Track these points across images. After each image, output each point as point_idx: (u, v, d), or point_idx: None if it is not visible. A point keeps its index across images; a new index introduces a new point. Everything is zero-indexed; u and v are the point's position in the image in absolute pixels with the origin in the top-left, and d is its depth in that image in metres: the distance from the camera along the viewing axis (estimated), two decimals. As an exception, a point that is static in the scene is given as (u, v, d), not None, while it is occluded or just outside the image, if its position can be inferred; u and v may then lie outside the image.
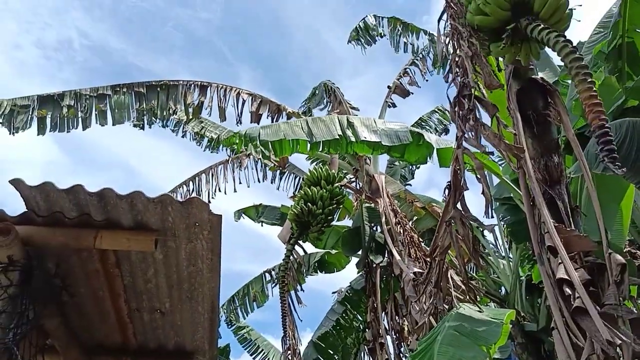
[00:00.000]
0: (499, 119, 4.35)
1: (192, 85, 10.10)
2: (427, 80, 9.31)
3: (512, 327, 7.67)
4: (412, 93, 9.39)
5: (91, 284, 4.11)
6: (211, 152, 11.11)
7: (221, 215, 3.67)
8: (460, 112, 3.77)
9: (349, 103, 10.11)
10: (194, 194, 9.68)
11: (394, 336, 8.45)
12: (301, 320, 7.81)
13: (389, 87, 9.60)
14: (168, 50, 39.08)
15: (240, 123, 9.59)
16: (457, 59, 3.75)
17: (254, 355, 12.20)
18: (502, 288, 9.25)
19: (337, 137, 7.37)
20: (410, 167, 11.91)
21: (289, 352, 7.39)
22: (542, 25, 3.29)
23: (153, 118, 9.79)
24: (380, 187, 8.33)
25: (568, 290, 3.43)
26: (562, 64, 7.78)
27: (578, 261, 3.76)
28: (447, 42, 3.97)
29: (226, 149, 10.71)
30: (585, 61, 6.08)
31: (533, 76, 4.37)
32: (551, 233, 3.69)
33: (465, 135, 3.85)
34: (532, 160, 4.31)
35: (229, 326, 12.14)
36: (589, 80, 2.89)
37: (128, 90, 9.49)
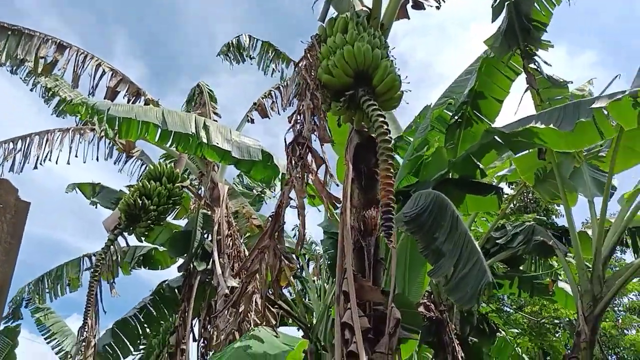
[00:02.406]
0: (327, 169, 4.75)
1: (50, 40, 9.32)
2: (285, 110, 9.66)
3: (310, 355, 8.12)
4: (270, 117, 9.69)
5: None
6: (57, 116, 10.29)
7: (29, 203, 3.51)
8: (292, 157, 4.05)
9: (213, 108, 10.08)
10: (18, 155, 8.83)
11: (203, 344, 8.52)
12: (105, 312, 7.52)
13: (254, 103, 9.80)
14: (41, -10, 35.31)
15: (93, 95, 9.03)
16: (300, 107, 4.05)
17: (48, 341, 11.37)
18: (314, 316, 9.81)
19: (190, 134, 7.18)
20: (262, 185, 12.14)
21: (83, 343, 7.08)
22: (370, 101, 3.71)
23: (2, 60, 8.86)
24: (221, 197, 8.41)
25: (347, 335, 3.84)
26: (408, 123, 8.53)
27: (367, 309, 4.23)
28: (295, 89, 4.27)
29: (76, 118, 9.98)
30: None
31: (372, 134, 4.85)
32: (349, 279, 4.06)
33: (294, 177, 4.14)
34: (354, 209, 4.76)
35: (27, 306, 11.15)
36: (389, 162, 3.34)
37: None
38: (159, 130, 7.10)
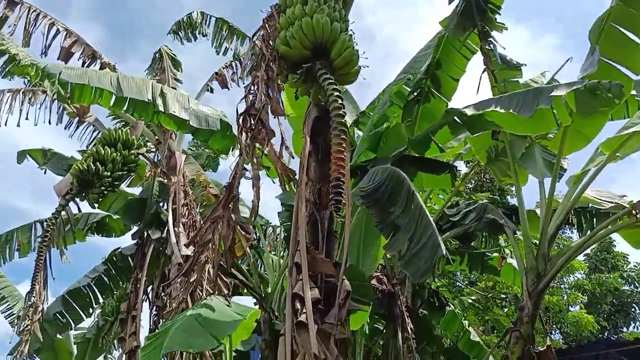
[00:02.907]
0: (283, 141, 4.73)
1: (-1, -4, 8.84)
2: (244, 81, 9.47)
3: (263, 324, 8.24)
4: (230, 88, 9.52)
5: None
6: (2, 77, 9.78)
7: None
8: (243, 127, 4.02)
9: (174, 75, 9.81)
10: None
11: (155, 311, 8.49)
12: (54, 279, 7.40)
13: (216, 73, 9.60)
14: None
15: (45, 55, 8.64)
16: (255, 78, 4.00)
17: (-3, 304, 11.11)
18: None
19: (146, 101, 6.94)
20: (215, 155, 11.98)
21: (31, 309, 6.95)
22: (327, 75, 3.71)
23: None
24: (177, 165, 8.29)
25: (298, 305, 3.90)
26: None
27: (319, 281, 4.29)
28: (250, 58, 4.21)
29: (25, 79, 9.52)
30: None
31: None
32: (301, 251, 4.10)
33: (243, 148, 4.12)
34: (310, 182, 4.78)
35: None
36: (342, 137, 3.36)
37: None
38: (114, 96, 6.82)
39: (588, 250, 17.06)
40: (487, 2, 6.51)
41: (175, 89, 8.53)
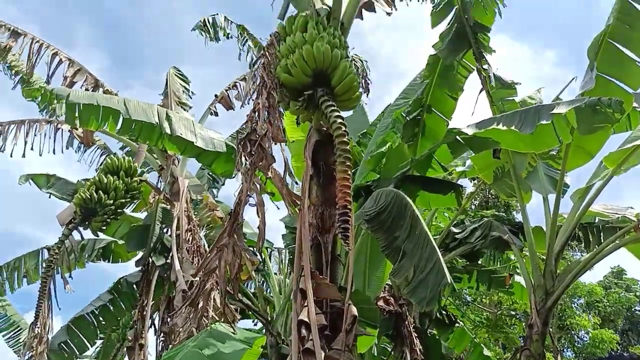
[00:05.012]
0: (286, 167, 4.74)
1: (4, 27, 8.97)
2: (243, 107, 9.45)
3: (270, 349, 8.16)
4: (234, 109, 9.57)
5: None
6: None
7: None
8: (243, 153, 4.03)
9: (178, 99, 9.84)
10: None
11: (162, 338, 8.42)
12: (60, 309, 7.35)
13: (216, 95, 9.66)
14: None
15: (49, 84, 8.72)
16: (256, 105, 4.02)
17: (3, 334, 11.03)
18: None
19: (153, 123, 6.92)
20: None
21: (35, 340, 6.90)
22: (329, 102, 3.72)
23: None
24: (180, 191, 8.29)
25: (304, 332, 3.86)
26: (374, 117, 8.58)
27: (325, 306, 4.26)
28: (252, 86, 4.23)
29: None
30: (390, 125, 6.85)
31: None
32: (306, 277, 4.07)
33: (242, 174, 4.13)
34: (313, 206, 4.76)
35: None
36: (347, 164, 3.36)
37: None
38: (121, 118, 6.77)
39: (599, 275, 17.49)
40: (477, 24, 6.59)
41: (178, 113, 8.57)
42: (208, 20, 10.20)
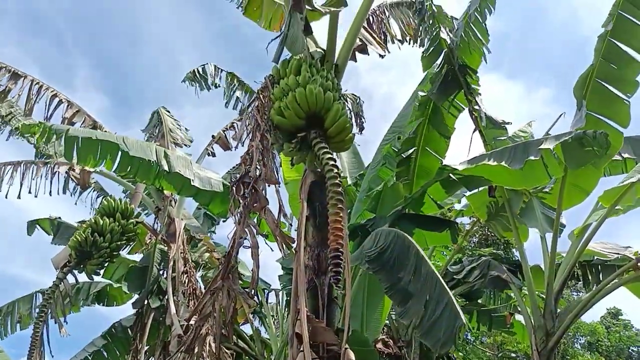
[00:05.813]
0: (281, 209, 4.72)
1: (4, 68, 9.12)
2: (236, 148, 9.54)
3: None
4: (232, 149, 9.63)
5: None
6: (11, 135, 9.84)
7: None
8: (236, 196, 4.03)
9: (174, 139, 9.91)
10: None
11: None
12: (52, 356, 7.16)
13: (213, 136, 9.74)
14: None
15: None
16: (250, 148, 4.05)
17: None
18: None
19: (152, 161, 6.92)
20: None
21: (27, 389, 6.70)
22: (322, 144, 3.75)
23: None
24: (177, 232, 8.25)
25: (300, 377, 3.76)
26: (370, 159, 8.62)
27: (321, 351, 4.17)
28: (246, 129, 4.27)
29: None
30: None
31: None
32: (302, 320, 4.00)
33: (235, 216, 4.11)
34: (309, 248, 4.72)
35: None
36: (339, 206, 3.36)
37: None
38: (119, 154, 6.76)
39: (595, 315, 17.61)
40: (464, 66, 6.73)
41: (175, 151, 8.60)
42: (198, 70, 10.40)
